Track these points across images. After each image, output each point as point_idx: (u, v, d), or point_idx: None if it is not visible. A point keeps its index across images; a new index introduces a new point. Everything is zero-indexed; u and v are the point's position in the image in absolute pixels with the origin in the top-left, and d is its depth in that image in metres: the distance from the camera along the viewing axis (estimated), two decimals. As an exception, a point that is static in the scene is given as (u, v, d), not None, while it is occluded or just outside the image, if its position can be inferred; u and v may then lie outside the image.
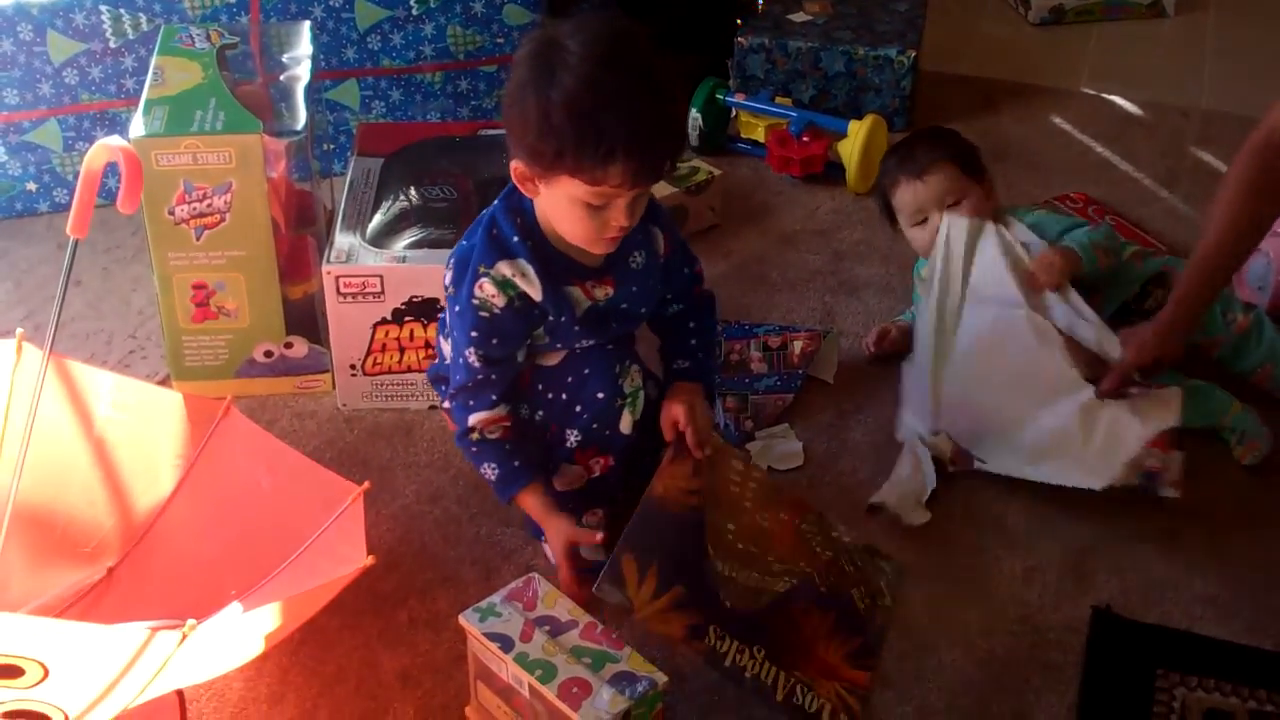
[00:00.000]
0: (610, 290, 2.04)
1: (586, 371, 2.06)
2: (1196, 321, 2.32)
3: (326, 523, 1.93)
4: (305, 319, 2.46)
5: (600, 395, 2.06)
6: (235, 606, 1.85)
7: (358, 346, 2.39)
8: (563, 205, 1.90)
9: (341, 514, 1.93)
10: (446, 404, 2.16)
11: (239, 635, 1.74)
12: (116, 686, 1.58)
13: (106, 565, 2.04)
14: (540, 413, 2.08)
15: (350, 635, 2.02)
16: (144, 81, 2.40)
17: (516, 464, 2.05)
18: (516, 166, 1.91)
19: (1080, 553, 2.18)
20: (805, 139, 3.13)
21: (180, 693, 1.84)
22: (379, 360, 2.40)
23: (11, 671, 1.52)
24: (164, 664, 1.56)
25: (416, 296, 2.34)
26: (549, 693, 1.72)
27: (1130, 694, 1.96)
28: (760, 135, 3.22)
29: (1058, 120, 3.46)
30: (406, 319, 2.36)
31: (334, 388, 2.47)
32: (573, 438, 2.07)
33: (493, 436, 2.05)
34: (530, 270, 1.97)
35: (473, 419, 2.04)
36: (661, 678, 1.75)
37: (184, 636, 1.53)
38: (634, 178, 1.85)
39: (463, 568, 2.14)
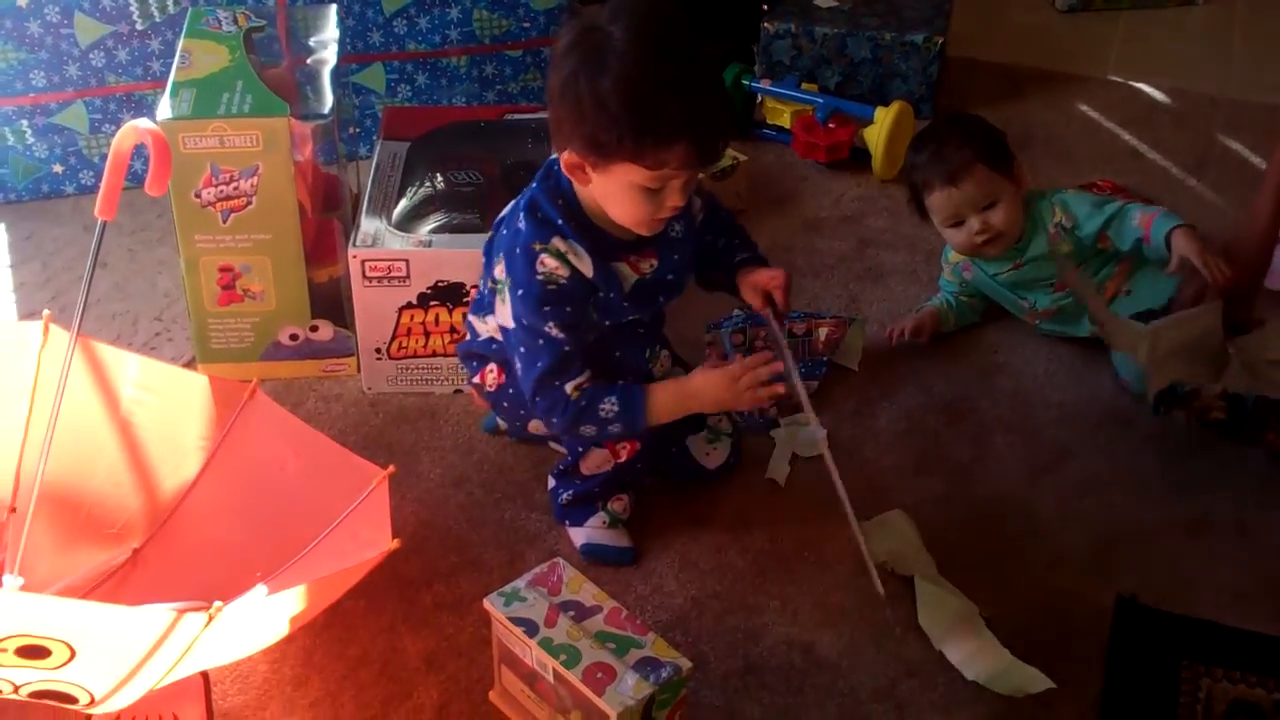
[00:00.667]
0: (655, 262, 2.05)
1: (617, 355, 2.07)
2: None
3: (351, 506, 1.94)
4: (331, 302, 2.46)
5: (631, 380, 2.07)
6: (260, 589, 1.85)
7: (383, 330, 2.39)
8: (618, 191, 1.91)
9: (366, 497, 1.94)
10: (501, 393, 2.15)
11: (264, 617, 1.74)
12: (143, 668, 1.58)
13: (132, 546, 2.04)
14: None
15: (375, 619, 2.02)
16: (171, 64, 2.40)
17: (621, 382, 2.05)
18: (568, 157, 1.91)
19: (1106, 542, 2.18)
20: (831, 125, 3.12)
21: (205, 674, 1.83)
22: (404, 344, 2.40)
23: (39, 652, 1.53)
24: (190, 646, 1.57)
25: (442, 281, 2.34)
26: (573, 677, 1.72)
27: (1155, 685, 1.95)
28: (786, 121, 3.21)
29: (1085, 107, 3.44)
30: (432, 303, 2.36)
31: (359, 371, 2.47)
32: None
33: (588, 386, 2.03)
34: (580, 249, 1.98)
35: (569, 386, 2.02)
36: (685, 663, 1.75)
37: (210, 619, 1.53)
38: (696, 159, 1.87)
39: (487, 552, 2.14)
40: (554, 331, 1.99)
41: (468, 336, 2.21)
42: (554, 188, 2.00)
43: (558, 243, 1.97)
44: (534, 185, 2.02)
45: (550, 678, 1.76)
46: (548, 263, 1.96)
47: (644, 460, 2.13)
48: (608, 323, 2.06)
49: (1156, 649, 2.00)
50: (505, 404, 2.18)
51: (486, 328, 2.14)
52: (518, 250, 1.98)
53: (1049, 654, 1.98)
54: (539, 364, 2.01)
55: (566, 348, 2.00)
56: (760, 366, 2.01)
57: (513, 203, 2.07)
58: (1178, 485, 2.28)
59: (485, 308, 2.13)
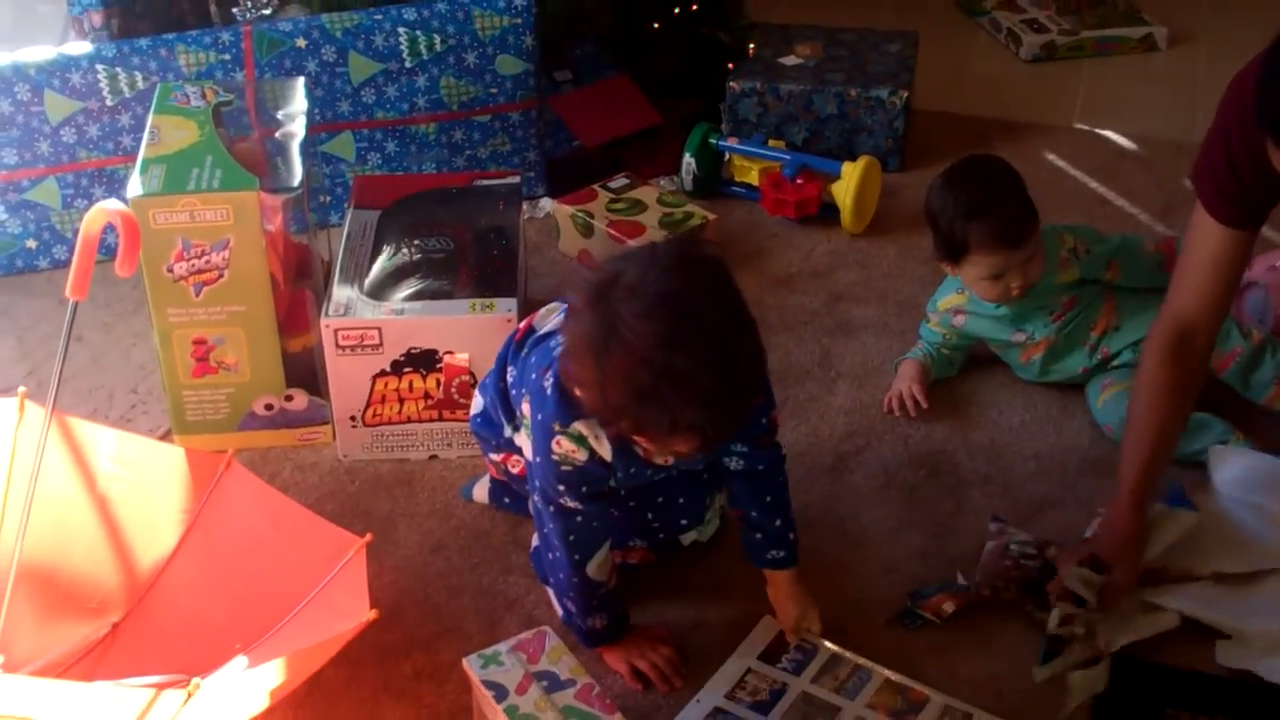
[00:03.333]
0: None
1: (681, 501, 2.09)
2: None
3: (328, 576, 1.94)
4: (305, 372, 2.46)
5: (684, 522, 2.11)
6: (240, 661, 1.86)
7: (357, 398, 2.40)
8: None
9: (344, 567, 1.94)
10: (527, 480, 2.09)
11: (244, 691, 1.74)
12: (121, 747, 1.58)
13: (111, 621, 2.04)
14: (614, 510, 2.04)
15: (355, 688, 2.02)
16: (141, 138, 2.41)
17: (622, 612, 2.06)
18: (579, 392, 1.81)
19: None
20: (799, 181, 3.14)
21: (186, 750, 1.84)
22: (379, 412, 2.41)
23: (18, 734, 1.53)
24: (169, 723, 1.57)
25: (415, 348, 2.35)
26: (530, 749, 1.72)
27: (1137, 734, 1.96)
28: (754, 178, 3.23)
29: (1051, 156, 3.47)
30: (406, 370, 2.37)
31: (335, 439, 2.47)
32: (635, 541, 2.11)
33: (610, 587, 2.03)
34: (602, 434, 1.88)
35: (594, 570, 1.98)
36: None
37: (189, 696, 1.54)
38: (699, 448, 1.78)
39: (466, 618, 2.14)
40: (570, 503, 1.94)
41: (482, 408, 2.18)
42: None
43: (580, 426, 1.87)
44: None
45: (513, 744, 1.76)
46: (564, 445, 1.88)
47: (649, 565, 2.18)
48: (626, 486, 2.03)
49: (1140, 698, 2.01)
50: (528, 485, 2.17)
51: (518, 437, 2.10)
52: (539, 417, 1.91)
53: (1034, 708, 1.99)
54: (556, 526, 1.96)
55: (580, 519, 1.96)
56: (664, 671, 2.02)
57: (546, 343, 1.96)
58: (1153, 532, 2.29)
59: (513, 420, 2.09)
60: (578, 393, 1.81)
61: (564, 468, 1.91)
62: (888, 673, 2.02)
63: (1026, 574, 2.15)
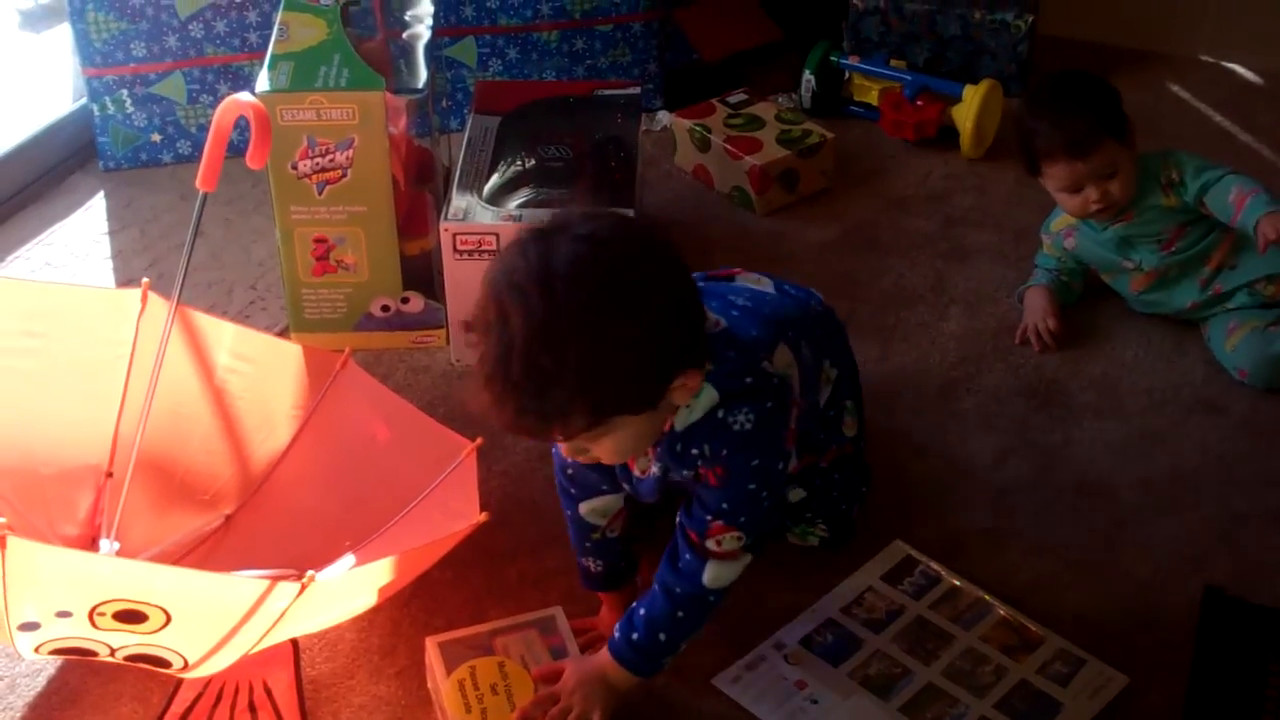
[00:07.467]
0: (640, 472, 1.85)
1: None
2: None
3: (440, 477, 1.96)
4: (422, 275, 2.48)
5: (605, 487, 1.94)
6: (349, 558, 1.88)
7: (473, 303, 2.40)
8: None
9: (455, 469, 1.96)
10: None
11: (354, 587, 1.77)
12: (236, 634, 1.62)
13: (224, 513, 2.08)
14: None
15: (460, 589, 2.04)
16: (268, 36, 2.43)
17: (624, 565, 1.98)
18: None
19: (1195, 530, 2.16)
20: (919, 103, 3.10)
21: (294, 642, 1.87)
22: (493, 318, 2.42)
23: (136, 617, 1.56)
24: (283, 614, 1.60)
25: (531, 256, 2.35)
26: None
27: (1242, 678, 1.93)
28: (874, 98, 3.20)
29: (1176, 88, 3.40)
30: (521, 278, 2.37)
31: (448, 343, 2.49)
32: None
33: (613, 535, 1.94)
34: None
35: (588, 510, 1.91)
36: None
37: (303, 587, 1.56)
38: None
39: (572, 526, 2.16)
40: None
41: None
42: None
43: None
44: None
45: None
46: None
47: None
48: None
49: (1244, 641, 1.99)
50: None
51: None
52: None
53: (1134, 645, 1.97)
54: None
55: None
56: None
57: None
58: (1269, 475, 2.25)
59: None
60: None
61: None
62: (1005, 610, 2.02)
63: None
